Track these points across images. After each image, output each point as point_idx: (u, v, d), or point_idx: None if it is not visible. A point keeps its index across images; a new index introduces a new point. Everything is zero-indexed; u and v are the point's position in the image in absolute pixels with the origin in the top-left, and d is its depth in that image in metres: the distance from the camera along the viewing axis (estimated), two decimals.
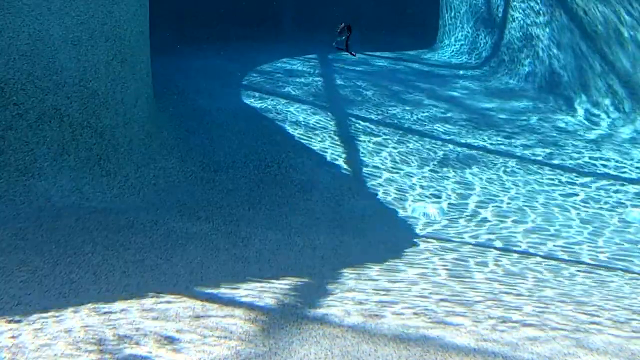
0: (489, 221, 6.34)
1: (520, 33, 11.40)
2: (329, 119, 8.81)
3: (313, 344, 3.42)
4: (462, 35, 13.20)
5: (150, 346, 3.36)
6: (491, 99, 10.44)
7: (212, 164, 6.84)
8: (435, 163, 7.69)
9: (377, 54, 12.84)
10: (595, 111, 9.64)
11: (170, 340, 3.43)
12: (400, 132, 8.61)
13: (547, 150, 8.37)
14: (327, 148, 7.74)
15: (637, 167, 8.01)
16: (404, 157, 7.78)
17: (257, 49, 12.17)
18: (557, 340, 3.57)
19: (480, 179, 7.35)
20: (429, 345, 3.46)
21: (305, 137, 7.97)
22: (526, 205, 6.75)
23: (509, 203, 6.79)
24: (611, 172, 7.85)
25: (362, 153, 7.78)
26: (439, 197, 6.82)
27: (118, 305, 3.87)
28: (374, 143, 8.12)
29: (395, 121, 9.01)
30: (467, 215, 6.45)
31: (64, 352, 3.24)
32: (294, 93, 9.76)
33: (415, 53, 13.25)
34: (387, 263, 5.13)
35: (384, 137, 8.36)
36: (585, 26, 9.89)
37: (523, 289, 4.67)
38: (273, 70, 11.03)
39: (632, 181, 7.60)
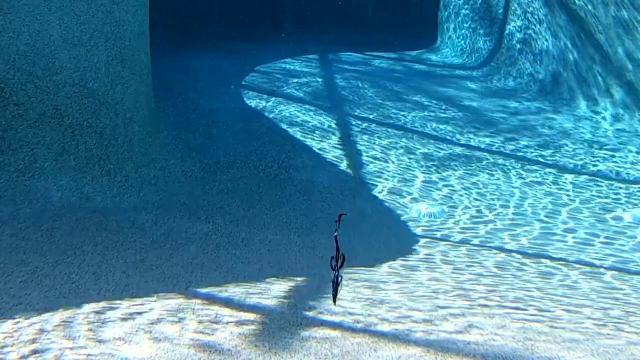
0: (488, 222, 6.35)
1: (521, 33, 11.39)
2: (329, 119, 8.80)
3: (313, 344, 3.42)
4: (462, 36, 13.19)
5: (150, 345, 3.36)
6: (491, 100, 10.43)
7: (212, 164, 6.83)
8: (436, 163, 7.69)
9: (377, 54, 12.83)
10: (599, 111, 9.64)
11: (171, 339, 3.43)
12: (401, 132, 8.61)
13: (549, 150, 8.38)
14: (327, 148, 7.74)
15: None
16: (403, 157, 7.78)
17: (257, 49, 12.16)
18: None
19: (482, 179, 7.35)
20: (429, 345, 3.45)
21: (305, 137, 7.96)
22: (526, 207, 6.75)
23: (513, 205, 6.80)
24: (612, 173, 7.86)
25: (362, 153, 7.78)
26: (439, 198, 6.81)
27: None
28: (374, 143, 8.12)
29: (395, 121, 9.01)
30: (467, 216, 6.45)
31: None
32: (294, 93, 9.76)
33: (415, 53, 13.25)
34: (387, 263, 5.13)
35: (384, 137, 8.36)
36: (586, 26, 9.88)
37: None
38: (273, 70, 11.03)
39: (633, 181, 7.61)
